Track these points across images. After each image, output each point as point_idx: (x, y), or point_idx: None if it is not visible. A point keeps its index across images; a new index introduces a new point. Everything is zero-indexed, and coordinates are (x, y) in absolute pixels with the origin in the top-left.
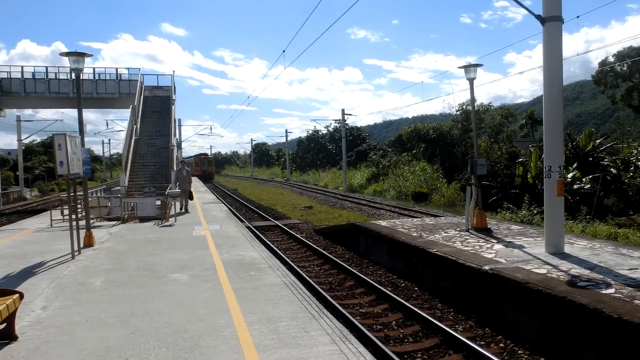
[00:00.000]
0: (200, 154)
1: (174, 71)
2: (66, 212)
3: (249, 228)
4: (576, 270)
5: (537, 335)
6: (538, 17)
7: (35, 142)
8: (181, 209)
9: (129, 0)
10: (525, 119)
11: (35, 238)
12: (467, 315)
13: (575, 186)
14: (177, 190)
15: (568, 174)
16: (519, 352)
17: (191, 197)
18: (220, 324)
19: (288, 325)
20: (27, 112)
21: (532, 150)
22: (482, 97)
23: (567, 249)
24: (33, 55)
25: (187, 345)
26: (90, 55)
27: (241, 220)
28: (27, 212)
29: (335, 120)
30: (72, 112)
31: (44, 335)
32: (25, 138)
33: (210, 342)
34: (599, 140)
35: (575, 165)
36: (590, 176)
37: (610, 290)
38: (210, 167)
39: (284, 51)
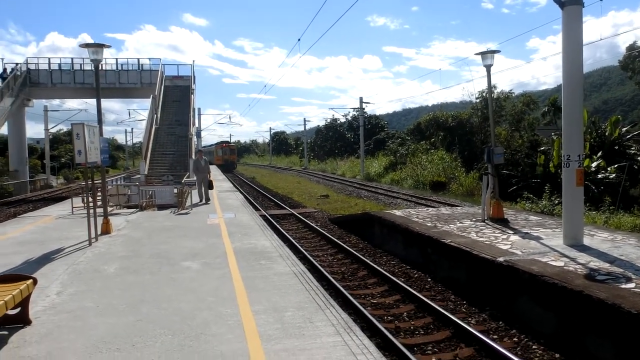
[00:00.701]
0: (222, 142)
1: (193, 61)
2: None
3: (264, 217)
4: (595, 263)
5: (552, 330)
6: (557, 0)
7: (62, 131)
8: (200, 199)
9: None
10: (547, 106)
11: (56, 225)
12: (481, 308)
13: (599, 175)
14: (194, 178)
15: (592, 163)
16: (534, 347)
17: (211, 187)
18: (227, 313)
19: (294, 315)
20: (55, 102)
21: (554, 138)
22: (504, 84)
23: (587, 241)
24: (61, 47)
25: (192, 333)
26: (109, 47)
27: (256, 209)
28: (52, 200)
29: (354, 108)
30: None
31: (56, 320)
32: (52, 127)
33: (216, 331)
34: (625, 128)
35: (599, 154)
36: (615, 165)
37: (630, 285)
38: (232, 156)
39: (299, 39)
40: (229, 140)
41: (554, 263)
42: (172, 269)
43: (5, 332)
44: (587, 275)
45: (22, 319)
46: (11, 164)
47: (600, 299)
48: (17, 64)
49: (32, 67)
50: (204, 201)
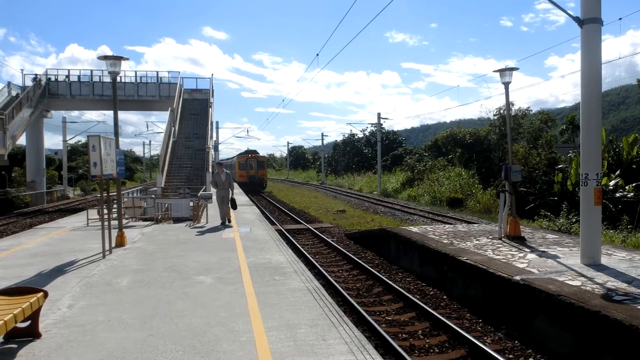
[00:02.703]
0: (247, 152)
1: (212, 74)
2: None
3: (280, 231)
4: (612, 283)
5: (569, 350)
6: (576, 19)
7: (80, 142)
8: (223, 221)
9: (172, 5)
10: (565, 124)
11: (70, 237)
12: (497, 327)
13: (617, 194)
14: (210, 192)
15: (610, 181)
16: None
17: (234, 206)
18: (239, 329)
19: (307, 333)
20: (74, 113)
21: (572, 156)
22: (523, 101)
23: (604, 260)
24: (80, 59)
25: (203, 349)
26: (127, 59)
27: (272, 223)
28: (68, 211)
29: (372, 124)
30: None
31: (66, 334)
32: (70, 139)
33: (227, 347)
34: None
35: (618, 172)
36: (634, 184)
37: None
38: (261, 172)
39: (317, 54)
40: (255, 150)
41: (571, 282)
42: (185, 283)
43: (15, 346)
44: (605, 296)
45: (31, 333)
46: (28, 175)
47: (618, 320)
48: (36, 75)
49: (52, 78)
50: (225, 223)
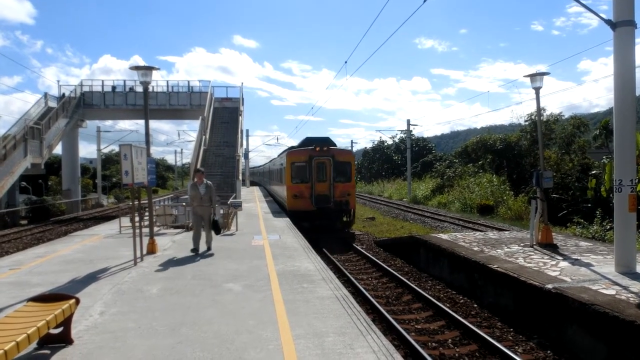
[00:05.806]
0: (310, 140)
1: (242, 83)
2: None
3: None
4: None
5: None
6: (608, 21)
7: (113, 151)
8: (195, 248)
9: (203, 15)
10: (599, 129)
11: (104, 244)
12: (528, 336)
13: None
14: (239, 200)
15: None
16: None
17: (217, 229)
18: (266, 337)
19: (334, 341)
20: (108, 123)
21: (606, 162)
22: (555, 106)
23: None
24: (113, 69)
25: (231, 357)
26: (158, 69)
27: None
28: (102, 218)
29: (401, 130)
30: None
31: (97, 341)
32: (104, 147)
33: (255, 355)
34: None
35: None
36: None
37: None
38: (343, 185)
39: (345, 62)
40: (327, 137)
41: (605, 291)
42: (214, 291)
43: (48, 352)
44: None
45: (64, 339)
46: (64, 183)
47: None
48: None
49: (86, 89)
50: (198, 249)
